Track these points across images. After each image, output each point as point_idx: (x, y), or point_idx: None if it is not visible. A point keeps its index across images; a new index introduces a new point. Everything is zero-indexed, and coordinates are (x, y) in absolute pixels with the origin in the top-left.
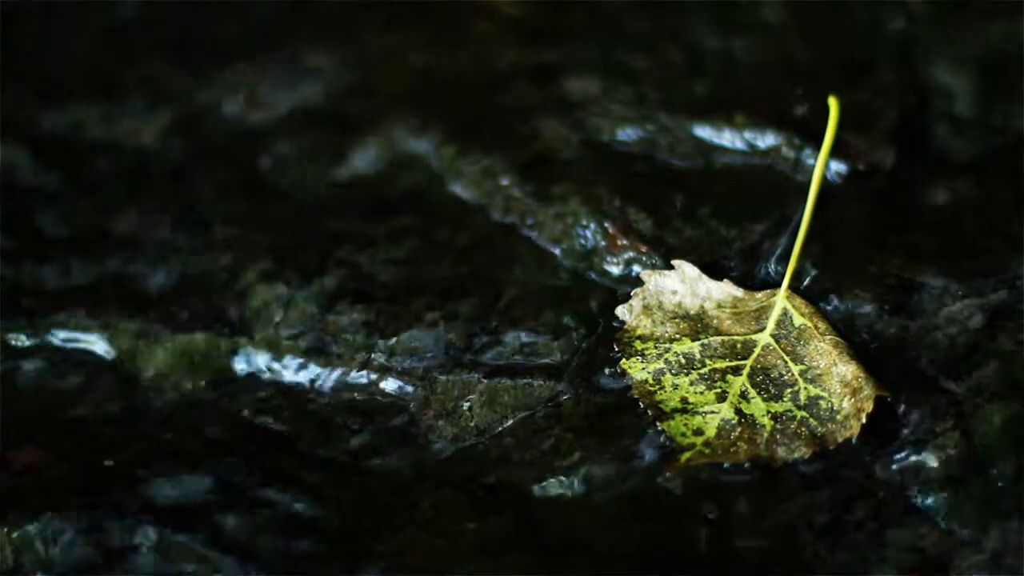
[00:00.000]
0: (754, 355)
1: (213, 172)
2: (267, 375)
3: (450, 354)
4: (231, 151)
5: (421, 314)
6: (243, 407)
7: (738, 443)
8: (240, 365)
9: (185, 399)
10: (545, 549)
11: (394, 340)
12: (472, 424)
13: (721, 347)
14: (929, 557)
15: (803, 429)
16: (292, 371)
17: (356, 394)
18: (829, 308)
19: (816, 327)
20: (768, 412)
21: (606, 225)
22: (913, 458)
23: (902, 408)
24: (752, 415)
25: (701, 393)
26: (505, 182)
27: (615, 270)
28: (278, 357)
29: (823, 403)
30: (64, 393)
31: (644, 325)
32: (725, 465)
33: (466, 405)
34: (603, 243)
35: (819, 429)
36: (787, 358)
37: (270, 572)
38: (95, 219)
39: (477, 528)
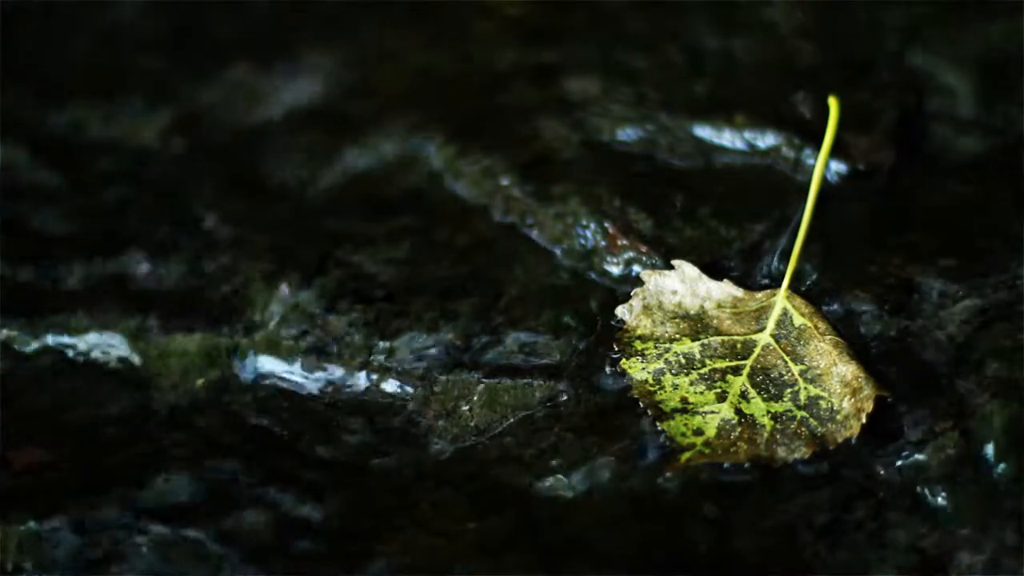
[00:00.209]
0: (754, 355)
1: (213, 172)
2: (267, 375)
3: (450, 354)
4: (231, 151)
5: (421, 314)
6: (243, 407)
7: (738, 443)
8: (240, 365)
9: (185, 399)
10: (545, 549)
11: (394, 340)
12: (472, 424)
13: (721, 347)
14: (929, 557)
15: (803, 429)
16: (292, 371)
17: (356, 394)
18: (829, 308)
19: (816, 327)
20: (768, 412)
21: (606, 225)
22: (913, 458)
23: (902, 408)
24: (752, 415)
25: (701, 393)
26: (505, 182)
27: (615, 270)
28: (278, 357)
29: (823, 403)
30: (64, 393)
31: (644, 325)
32: (725, 465)
33: (466, 405)
34: (603, 243)
35: (819, 429)
36: (787, 358)
37: (270, 572)
38: (95, 219)
39: (477, 528)
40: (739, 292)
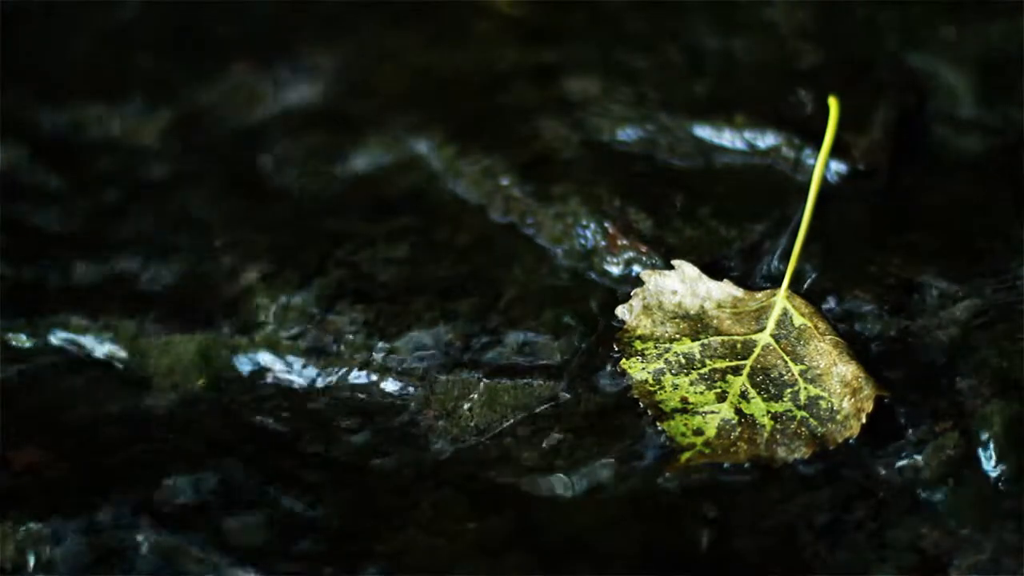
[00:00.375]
0: (754, 355)
1: (213, 172)
2: (267, 375)
3: (450, 354)
4: (231, 151)
5: (421, 314)
6: (243, 407)
7: (738, 443)
8: (240, 365)
9: (185, 399)
10: (545, 549)
11: (394, 340)
12: (472, 424)
13: (721, 347)
14: (929, 557)
15: (803, 429)
16: (292, 371)
17: (356, 394)
18: (829, 308)
19: (816, 327)
20: (768, 412)
21: (606, 225)
22: (913, 458)
23: (902, 408)
24: (752, 415)
25: (701, 393)
26: (505, 182)
27: (615, 270)
28: (278, 357)
29: (823, 403)
30: (64, 393)
31: (644, 325)
32: (725, 465)
33: (466, 405)
34: (603, 243)
35: (819, 429)
36: (787, 358)
37: (270, 572)
38: (95, 219)
39: (477, 528)
40: (739, 292)
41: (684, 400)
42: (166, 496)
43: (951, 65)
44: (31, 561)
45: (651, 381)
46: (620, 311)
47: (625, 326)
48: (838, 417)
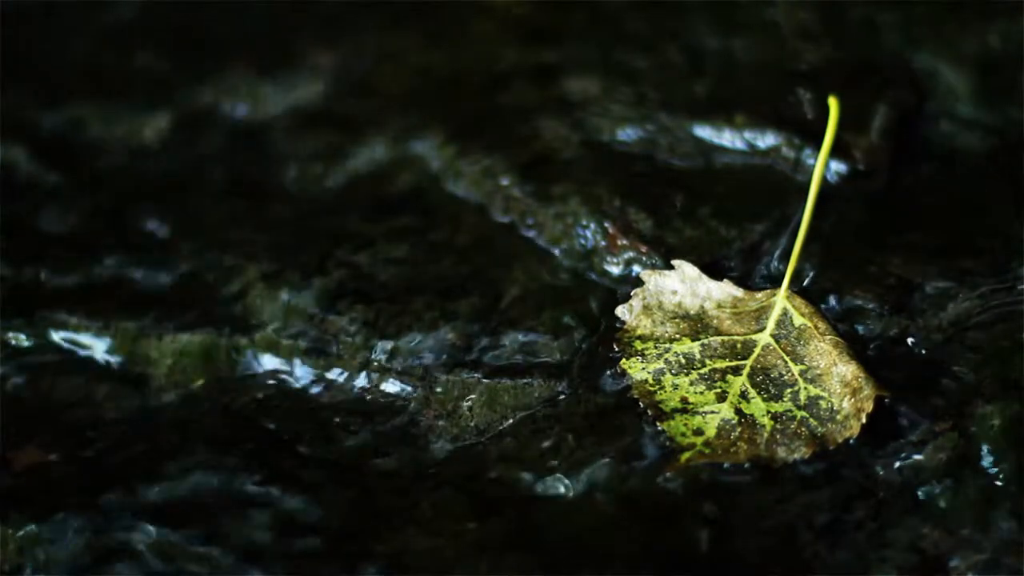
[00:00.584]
0: (754, 355)
1: (213, 172)
2: (267, 375)
3: (450, 354)
4: (231, 151)
5: (421, 314)
6: (243, 407)
7: (738, 443)
8: (240, 365)
9: (185, 399)
10: (545, 549)
11: (394, 340)
12: (472, 424)
13: (721, 347)
14: (929, 557)
15: (803, 429)
16: (292, 371)
17: (356, 394)
18: (829, 308)
19: (816, 327)
20: (768, 412)
21: (606, 225)
22: (913, 458)
23: (902, 408)
24: (752, 415)
25: (701, 393)
26: (505, 182)
27: (615, 270)
28: (278, 357)
29: (823, 403)
30: (64, 393)
31: (644, 325)
32: (725, 465)
33: (466, 405)
34: (603, 243)
35: (819, 429)
36: (787, 358)
37: (270, 572)
38: (95, 219)
39: (477, 528)
40: (739, 292)
41: (684, 400)
42: (166, 496)
43: (951, 65)
44: (31, 561)
45: (651, 381)
46: (620, 311)
47: (625, 326)
48: (838, 417)
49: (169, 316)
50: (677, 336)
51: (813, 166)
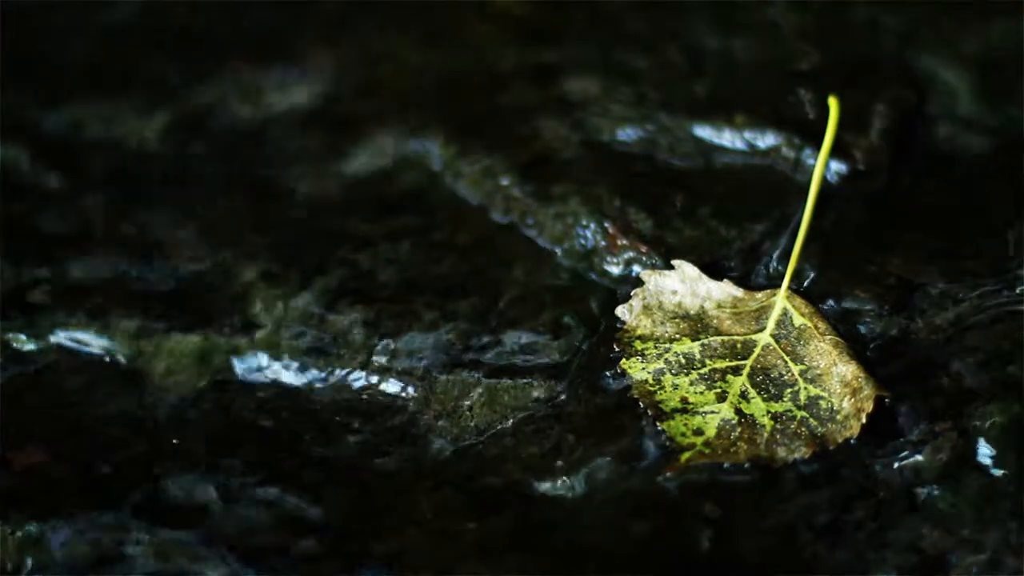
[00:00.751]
0: (754, 355)
1: (213, 172)
2: (267, 375)
3: (450, 354)
4: (231, 151)
5: (421, 314)
6: (243, 407)
7: (738, 443)
8: (240, 365)
9: (185, 399)
10: (545, 549)
11: (394, 340)
12: (472, 424)
13: (721, 347)
14: (929, 557)
15: (803, 429)
16: (292, 371)
17: (356, 394)
18: (829, 308)
19: (816, 327)
20: (768, 412)
21: (606, 225)
22: (913, 458)
23: (902, 408)
24: (752, 415)
25: (701, 393)
26: (505, 182)
27: (615, 270)
28: (278, 357)
29: (823, 403)
30: (64, 393)
31: (644, 325)
32: (725, 465)
33: (466, 405)
34: (603, 243)
35: (819, 429)
36: (787, 358)
37: (270, 572)
38: (95, 219)
39: (477, 528)
40: (739, 292)
41: (684, 400)
42: (166, 496)
43: (951, 65)
44: (31, 561)
45: (651, 381)
46: (620, 311)
47: (625, 326)
48: (838, 417)
49: (169, 316)
50: (677, 336)
51: (813, 166)
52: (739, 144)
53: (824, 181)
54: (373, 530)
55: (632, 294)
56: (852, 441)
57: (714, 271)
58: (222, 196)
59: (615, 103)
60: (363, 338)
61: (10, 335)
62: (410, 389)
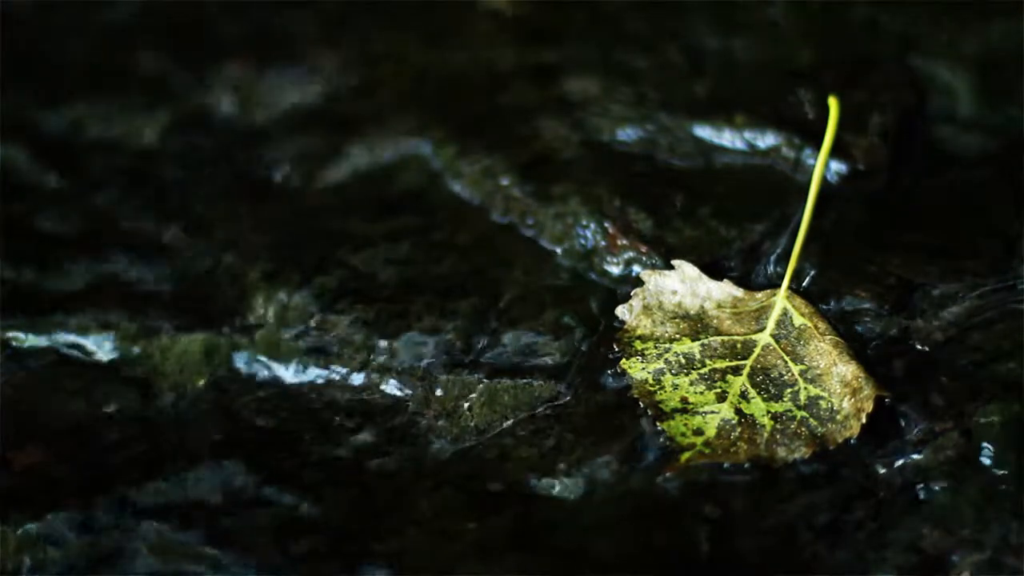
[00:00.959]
0: (754, 355)
1: (213, 172)
2: (267, 375)
3: (450, 354)
4: (231, 151)
5: (421, 314)
6: (243, 407)
7: (738, 443)
8: (240, 365)
9: (185, 399)
10: (545, 549)
11: (394, 340)
12: (472, 424)
13: (721, 347)
14: (929, 557)
15: (803, 429)
16: (292, 371)
17: (356, 394)
18: (829, 308)
19: (816, 327)
20: (768, 412)
21: (606, 225)
22: (913, 458)
23: (902, 408)
24: (752, 415)
25: (701, 393)
26: (505, 182)
27: (615, 270)
28: (278, 357)
29: (823, 403)
30: (64, 393)
31: (644, 325)
32: (725, 465)
33: (466, 405)
34: (603, 243)
35: (819, 429)
36: (787, 358)
37: (270, 572)
38: (95, 219)
39: (477, 528)
40: (739, 292)
41: (684, 400)
42: (166, 496)
43: (951, 65)
44: (31, 561)
45: (651, 381)
46: (620, 311)
47: (625, 326)
48: (838, 417)
49: (169, 316)
50: (677, 336)
51: (813, 166)
52: (739, 144)
53: (824, 181)
54: (373, 530)
55: (632, 294)
56: (852, 441)
57: (714, 271)
58: (222, 196)
59: (615, 103)
60: (363, 338)
61: (10, 335)
62: (410, 389)
